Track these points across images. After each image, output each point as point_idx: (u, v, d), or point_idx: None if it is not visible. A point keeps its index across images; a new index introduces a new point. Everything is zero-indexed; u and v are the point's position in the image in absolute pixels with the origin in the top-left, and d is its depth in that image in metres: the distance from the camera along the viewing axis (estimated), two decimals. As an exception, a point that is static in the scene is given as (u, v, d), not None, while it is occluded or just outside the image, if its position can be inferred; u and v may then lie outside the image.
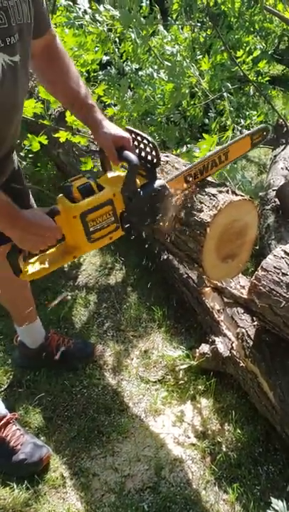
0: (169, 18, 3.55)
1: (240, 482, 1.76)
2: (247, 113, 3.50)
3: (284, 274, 1.67)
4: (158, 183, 1.50)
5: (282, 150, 2.92)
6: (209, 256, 1.59)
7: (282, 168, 2.77)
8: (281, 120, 3.05)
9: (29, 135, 2.30)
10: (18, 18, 1.28)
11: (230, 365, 2.00)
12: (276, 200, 2.52)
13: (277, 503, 1.42)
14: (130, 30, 2.77)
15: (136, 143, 1.52)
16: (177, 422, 1.99)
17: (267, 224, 2.49)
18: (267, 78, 3.78)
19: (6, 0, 1.23)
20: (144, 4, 2.99)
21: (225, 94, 3.05)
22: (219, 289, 2.05)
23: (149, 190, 1.48)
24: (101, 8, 2.71)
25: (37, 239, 1.40)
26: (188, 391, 2.08)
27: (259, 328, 1.90)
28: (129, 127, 1.55)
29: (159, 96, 2.98)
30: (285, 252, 1.72)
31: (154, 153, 1.48)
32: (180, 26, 3.39)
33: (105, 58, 3.12)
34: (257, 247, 2.45)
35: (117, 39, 2.94)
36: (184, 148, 2.50)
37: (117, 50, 2.97)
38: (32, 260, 1.49)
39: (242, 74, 3.26)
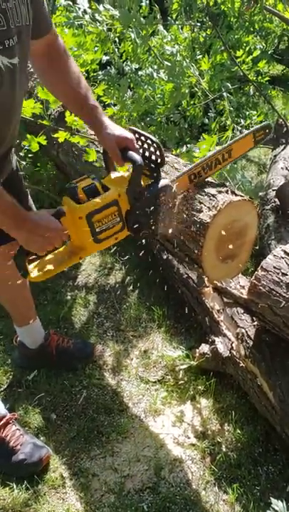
0: (169, 17, 3.55)
1: (240, 482, 1.76)
2: (247, 113, 3.50)
3: (284, 274, 1.67)
4: (162, 182, 1.50)
5: (282, 150, 2.92)
6: (209, 256, 1.58)
7: (282, 168, 2.77)
8: (281, 120, 3.05)
9: (28, 135, 2.29)
10: (16, 20, 1.27)
11: (230, 365, 2.00)
12: (276, 200, 2.52)
13: (277, 504, 1.42)
14: (130, 30, 2.77)
15: (139, 143, 1.52)
16: (177, 422, 1.98)
17: (267, 224, 2.49)
18: (267, 78, 3.78)
19: (5, 2, 1.22)
20: (143, 4, 2.99)
21: (225, 94, 3.04)
22: (219, 289, 2.05)
23: (153, 190, 1.49)
24: (101, 7, 2.70)
25: (43, 240, 1.40)
26: (188, 391, 2.08)
27: (259, 328, 1.89)
28: (133, 127, 1.55)
29: (158, 96, 2.98)
30: (285, 252, 1.72)
31: (158, 153, 1.48)
32: (180, 26, 3.39)
33: (105, 58, 3.12)
34: (257, 247, 2.45)
35: (116, 39, 2.94)
36: (184, 148, 2.50)
37: (116, 49, 2.96)
38: (38, 262, 1.49)
39: (242, 74, 3.26)
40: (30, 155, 2.79)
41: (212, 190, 1.60)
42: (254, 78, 3.57)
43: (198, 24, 3.57)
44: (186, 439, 1.93)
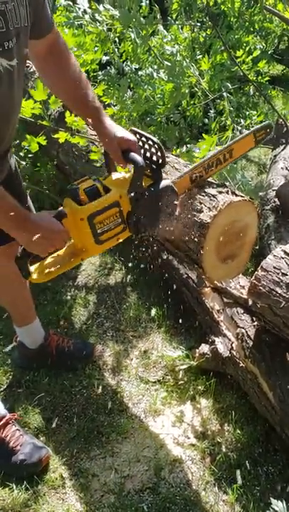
0: (169, 17, 3.55)
1: (240, 483, 1.76)
2: (247, 113, 3.50)
3: (284, 274, 1.67)
4: (164, 183, 1.51)
5: (282, 150, 2.92)
6: (209, 257, 1.58)
7: (282, 168, 2.77)
8: (281, 120, 3.05)
9: (28, 136, 2.29)
10: (15, 22, 1.27)
11: (230, 365, 2.00)
12: (276, 200, 2.52)
13: (277, 504, 1.43)
14: (130, 29, 2.77)
15: (140, 143, 1.52)
16: (177, 422, 1.98)
17: (267, 224, 2.49)
18: (267, 78, 3.78)
19: (4, 4, 1.22)
20: (143, 4, 2.98)
21: (225, 94, 3.04)
22: (219, 290, 2.05)
23: (155, 191, 1.49)
24: (101, 7, 2.70)
25: (45, 242, 1.40)
26: (188, 391, 2.08)
27: (259, 328, 1.89)
28: (134, 128, 1.55)
29: (158, 96, 2.98)
30: (285, 252, 1.72)
31: (159, 153, 1.48)
32: (180, 26, 3.39)
33: (105, 58, 3.12)
34: (257, 247, 2.45)
35: (116, 39, 2.93)
36: (184, 148, 2.50)
37: (116, 50, 2.96)
38: (39, 263, 1.50)
39: (242, 74, 3.26)
40: (30, 155, 2.79)
41: (212, 191, 1.60)
42: (254, 78, 3.57)
43: (198, 24, 3.57)
44: (186, 439, 1.93)
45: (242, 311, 2.01)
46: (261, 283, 1.69)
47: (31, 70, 2.79)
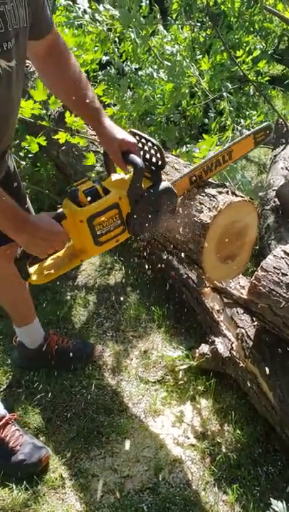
0: (169, 17, 3.55)
1: (240, 483, 1.76)
2: (247, 113, 3.50)
3: (284, 275, 1.66)
4: (163, 185, 1.51)
5: (282, 150, 2.92)
6: (209, 257, 1.58)
7: (282, 168, 2.77)
8: (281, 120, 3.05)
9: (27, 136, 2.29)
10: (14, 23, 1.27)
11: (230, 365, 2.00)
12: (276, 200, 2.52)
13: (277, 504, 1.43)
14: (130, 29, 2.77)
15: (140, 145, 1.52)
16: (177, 422, 1.98)
17: (267, 224, 2.49)
18: (267, 78, 3.78)
19: (3, 4, 1.22)
20: (143, 4, 2.99)
21: (225, 94, 3.05)
22: (219, 290, 2.05)
23: (154, 193, 1.49)
24: (101, 7, 2.71)
25: (45, 244, 1.40)
26: (188, 391, 2.08)
27: (259, 328, 1.89)
28: (134, 130, 1.55)
29: (158, 96, 2.98)
30: (285, 253, 1.72)
31: (158, 155, 1.48)
32: (180, 26, 3.39)
33: (105, 58, 3.12)
34: (257, 247, 2.45)
35: (116, 39, 2.93)
36: (184, 149, 2.50)
37: (116, 49, 2.96)
38: (39, 264, 1.50)
39: (242, 74, 3.26)
40: (30, 155, 2.79)
41: (212, 191, 1.60)
42: (254, 78, 3.58)
43: (198, 24, 3.57)
44: (185, 439, 1.92)
45: (242, 311, 2.01)
46: (261, 283, 1.69)
47: (31, 70, 2.79)
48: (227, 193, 1.58)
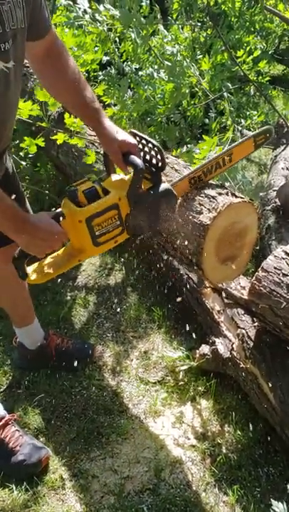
0: (169, 17, 3.54)
1: (241, 484, 1.76)
2: (247, 113, 3.50)
3: (284, 275, 1.66)
4: (163, 186, 1.51)
5: (283, 150, 2.92)
6: (209, 258, 1.58)
7: (282, 168, 2.77)
8: (281, 120, 3.05)
9: (26, 138, 2.28)
10: (11, 24, 1.26)
11: (231, 366, 1.99)
12: (277, 200, 2.51)
13: (278, 505, 1.42)
14: (130, 29, 2.76)
15: (140, 146, 1.52)
16: (177, 423, 1.98)
17: (267, 224, 2.48)
18: (267, 78, 3.78)
19: (0, 5, 1.21)
20: (144, 4, 2.98)
21: (225, 94, 3.04)
22: (219, 290, 2.05)
23: (154, 194, 1.49)
24: (101, 7, 2.70)
25: (43, 243, 1.40)
26: (188, 392, 2.07)
27: (259, 329, 1.89)
28: (134, 130, 1.55)
29: (159, 96, 2.98)
30: (286, 253, 1.72)
31: (158, 156, 1.48)
32: (180, 26, 3.38)
33: (105, 58, 3.11)
34: (257, 248, 2.45)
35: (117, 39, 2.93)
36: (184, 149, 2.50)
37: (117, 50, 2.96)
38: (37, 264, 1.49)
39: (242, 74, 3.26)
40: (30, 155, 2.78)
41: (212, 192, 1.60)
42: (254, 78, 3.58)
43: (199, 24, 3.57)
44: (186, 440, 1.92)
45: (242, 312, 2.01)
46: (262, 284, 1.69)
47: (31, 71, 2.78)
48: (227, 194, 1.58)
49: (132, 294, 2.61)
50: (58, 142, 2.36)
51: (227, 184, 1.96)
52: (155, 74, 2.99)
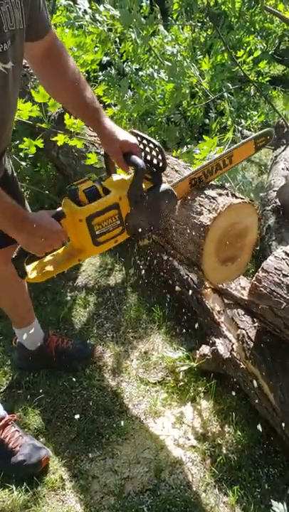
0: (170, 18, 3.54)
1: (241, 484, 1.75)
2: (247, 113, 3.50)
3: (285, 276, 1.66)
4: (163, 187, 1.51)
5: (283, 150, 2.92)
6: (209, 259, 1.58)
7: (282, 168, 2.77)
8: (282, 120, 3.05)
9: (25, 139, 2.28)
10: (10, 25, 1.26)
11: (231, 366, 1.99)
12: (277, 200, 2.51)
13: (278, 506, 1.42)
14: (130, 30, 2.76)
15: (141, 146, 1.52)
16: (177, 423, 1.98)
17: (268, 225, 2.48)
18: (267, 78, 3.79)
19: None
20: (144, 4, 2.98)
21: (225, 94, 3.04)
22: (220, 291, 2.05)
23: (154, 194, 1.49)
24: (101, 8, 2.70)
25: (43, 242, 1.40)
26: (189, 393, 2.07)
27: (260, 329, 1.89)
28: (135, 130, 1.55)
29: (159, 96, 2.98)
30: (286, 253, 1.72)
31: (159, 157, 1.48)
32: (180, 26, 3.38)
33: (105, 59, 3.12)
34: (257, 248, 2.44)
35: (117, 39, 2.93)
36: (184, 149, 2.50)
37: (117, 50, 2.96)
38: (36, 263, 1.49)
39: (242, 74, 3.26)
40: (30, 155, 2.78)
41: (212, 193, 1.60)
42: (255, 78, 3.58)
43: (199, 24, 3.58)
44: (186, 440, 1.92)
45: (243, 313, 2.01)
46: (262, 284, 1.68)
47: (31, 71, 2.78)
48: (227, 194, 1.58)
49: (132, 294, 2.61)
50: (58, 144, 2.36)
51: (227, 185, 1.96)
52: (155, 74, 2.99)
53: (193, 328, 2.34)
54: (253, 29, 3.76)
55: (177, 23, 3.41)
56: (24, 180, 2.89)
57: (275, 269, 1.69)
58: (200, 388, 2.08)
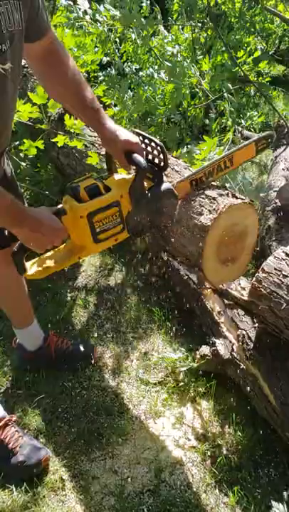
0: (170, 18, 3.55)
1: (241, 485, 1.75)
2: (248, 114, 3.50)
3: (285, 276, 1.66)
4: (165, 186, 1.51)
5: (283, 151, 2.91)
6: (209, 259, 1.58)
7: (283, 168, 2.76)
8: (282, 121, 3.04)
9: (25, 140, 2.28)
10: (8, 25, 1.26)
11: (231, 367, 1.99)
12: (277, 201, 2.51)
13: (278, 507, 1.43)
14: (130, 30, 2.77)
15: (143, 145, 1.52)
16: (177, 424, 1.98)
17: (268, 225, 2.48)
18: (267, 79, 3.78)
19: None
20: (144, 4, 2.98)
21: (225, 94, 3.04)
22: (220, 291, 2.04)
23: (155, 193, 1.49)
24: (101, 8, 2.70)
25: (44, 239, 1.40)
26: (189, 393, 2.07)
27: (260, 330, 1.89)
28: (137, 130, 1.55)
29: (159, 96, 2.98)
30: (286, 254, 1.72)
31: (161, 156, 1.48)
32: (180, 26, 3.38)
33: (105, 59, 3.11)
34: (258, 249, 2.44)
35: (117, 39, 2.93)
36: (185, 149, 2.50)
37: (117, 50, 2.96)
38: (36, 259, 1.50)
39: (243, 74, 3.26)
40: (30, 156, 2.78)
41: (213, 193, 1.60)
42: (255, 79, 3.57)
43: (199, 25, 3.57)
44: (186, 441, 1.92)
45: (243, 313, 2.01)
46: (262, 285, 1.68)
47: (31, 71, 2.78)
48: (227, 195, 1.58)
49: (133, 294, 2.61)
50: (58, 145, 2.35)
51: (227, 185, 1.96)
52: (155, 74, 3.00)
53: (193, 329, 2.34)
54: (253, 29, 3.75)
55: (177, 23, 3.41)
56: (24, 180, 2.89)
57: (275, 269, 1.69)
58: (200, 389, 2.08)
